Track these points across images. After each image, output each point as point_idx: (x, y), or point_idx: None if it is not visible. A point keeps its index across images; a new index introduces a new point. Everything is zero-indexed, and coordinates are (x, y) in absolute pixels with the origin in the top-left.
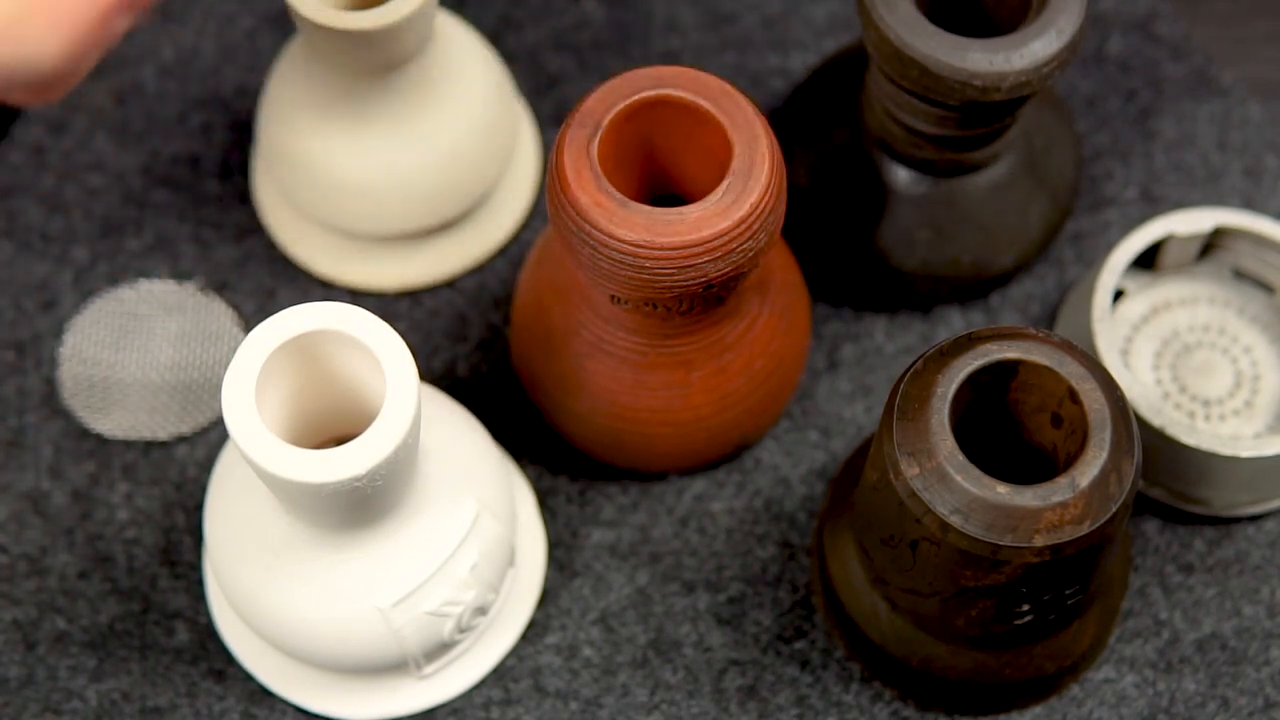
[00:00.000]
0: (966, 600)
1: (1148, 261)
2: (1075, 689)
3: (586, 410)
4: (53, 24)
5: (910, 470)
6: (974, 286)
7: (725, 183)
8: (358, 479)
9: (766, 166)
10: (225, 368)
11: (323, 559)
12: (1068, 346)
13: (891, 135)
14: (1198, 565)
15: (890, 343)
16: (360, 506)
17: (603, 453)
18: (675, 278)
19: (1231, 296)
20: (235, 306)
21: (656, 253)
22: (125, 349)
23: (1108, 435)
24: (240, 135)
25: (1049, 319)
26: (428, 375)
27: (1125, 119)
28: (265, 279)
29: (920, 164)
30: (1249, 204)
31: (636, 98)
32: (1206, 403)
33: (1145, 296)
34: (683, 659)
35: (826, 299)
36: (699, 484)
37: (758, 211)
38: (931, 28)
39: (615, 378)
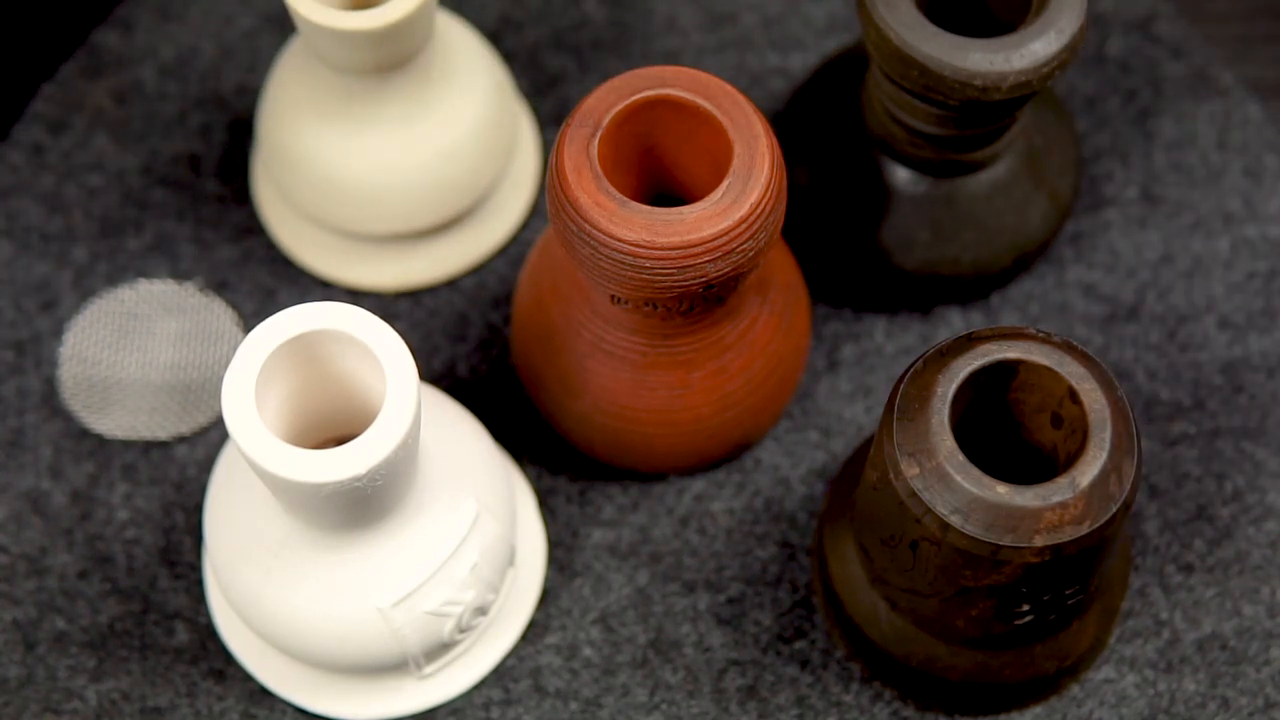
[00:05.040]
0: (966, 600)
1: None
2: (1075, 689)
3: (586, 410)
4: None
5: (910, 470)
6: (974, 286)
7: (725, 183)
8: (358, 479)
9: (766, 166)
10: (225, 368)
11: (323, 559)
12: (1068, 346)
13: (891, 135)
14: (1198, 565)
15: (890, 343)
16: (360, 506)
17: (603, 453)
18: (675, 278)
19: None
20: (235, 306)
21: (656, 253)
22: (125, 349)
23: (1108, 435)
24: (240, 135)
25: (1049, 319)
26: (428, 375)
27: (1125, 119)
28: (265, 279)
29: (920, 164)
30: (1249, 204)
31: (636, 98)
32: None
33: None
34: (683, 659)
35: (826, 299)
36: (699, 484)
37: (758, 211)
38: (932, 28)
39: (615, 378)
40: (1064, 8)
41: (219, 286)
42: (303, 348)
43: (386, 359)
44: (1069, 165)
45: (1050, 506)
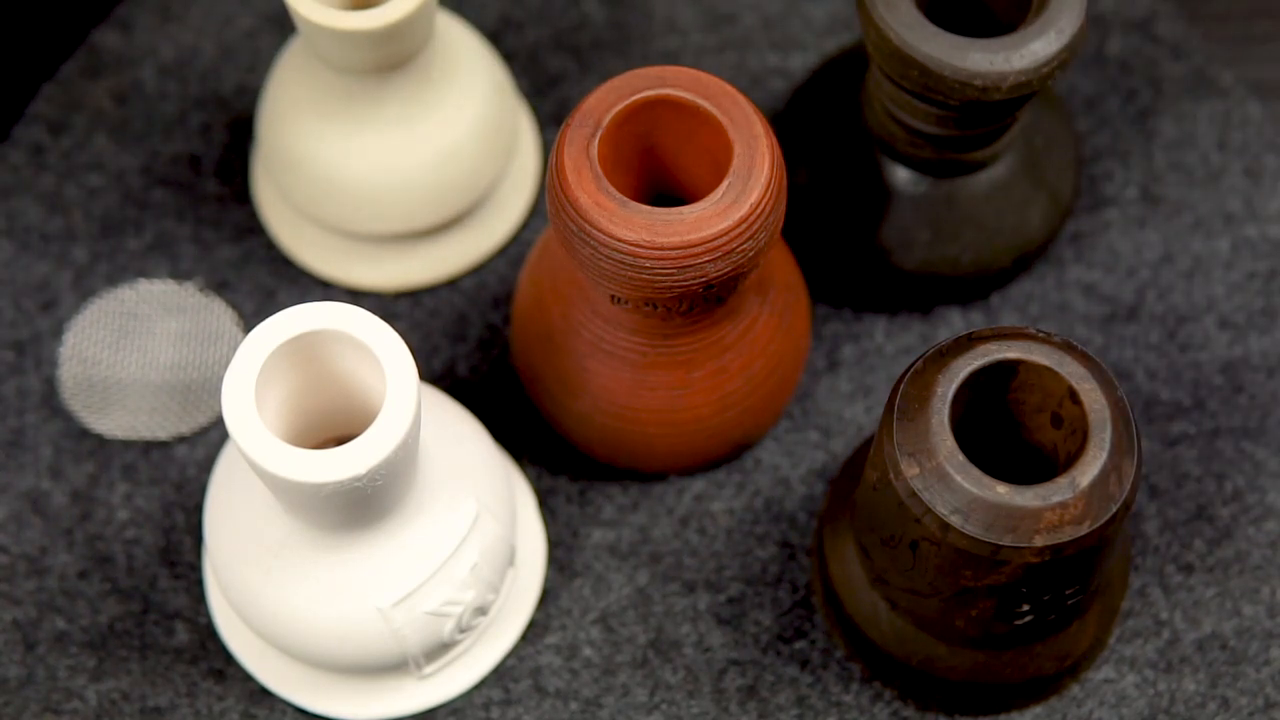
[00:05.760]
0: (966, 600)
1: None
2: (1075, 689)
3: (586, 410)
4: None
5: (910, 470)
6: (974, 286)
7: (725, 183)
8: (358, 479)
9: (766, 166)
10: (225, 368)
11: (323, 559)
12: (1068, 346)
13: (891, 135)
14: (1198, 565)
15: (890, 343)
16: (360, 506)
17: (603, 453)
18: (675, 278)
19: None
20: (235, 306)
21: (656, 253)
22: (125, 349)
23: (1108, 435)
24: (240, 135)
25: (1049, 319)
26: (428, 375)
27: (1125, 119)
28: (265, 279)
29: (920, 164)
30: (1249, 204)
31: (636, 98)
32: None
33: None
34: (683, 659)
35: (826, 299)
36: (699, 484)
37: (758, 211)
38: (932, 28)
39: (615, 378)
40: (1064, 8)
41: (219, 286)
42: (303, 348)
43: (386, 359)
44: (1069, 165)
45: (1050, 506)
